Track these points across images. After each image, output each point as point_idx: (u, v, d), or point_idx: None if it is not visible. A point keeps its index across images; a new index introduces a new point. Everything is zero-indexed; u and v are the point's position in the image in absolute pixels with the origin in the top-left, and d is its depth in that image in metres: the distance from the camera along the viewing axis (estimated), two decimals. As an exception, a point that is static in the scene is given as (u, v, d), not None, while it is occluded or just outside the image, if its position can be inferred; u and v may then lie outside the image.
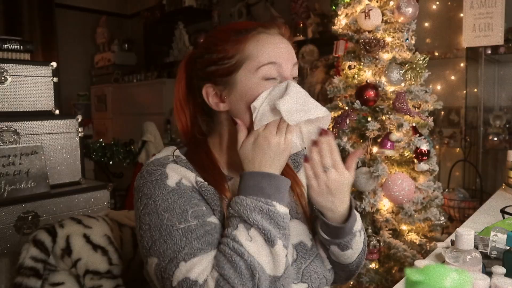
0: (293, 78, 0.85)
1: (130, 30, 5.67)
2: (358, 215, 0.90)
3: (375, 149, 1.90)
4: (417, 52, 1.95)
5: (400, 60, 1.91)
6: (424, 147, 1.82)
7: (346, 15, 2.03)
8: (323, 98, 2.59)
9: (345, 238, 0.86)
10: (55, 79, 1.76)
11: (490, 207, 1.61)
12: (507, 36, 2.47)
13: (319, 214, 0.86)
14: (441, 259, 1.13)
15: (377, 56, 1.88)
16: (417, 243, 1.85)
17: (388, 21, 1.91)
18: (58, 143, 1.73)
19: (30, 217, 1.56)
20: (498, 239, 1.00)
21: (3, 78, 1.61)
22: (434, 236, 1.96)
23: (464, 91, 2.80)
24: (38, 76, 1.71)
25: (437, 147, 2.87)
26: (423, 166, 1.85)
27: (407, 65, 1.90)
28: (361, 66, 1.94)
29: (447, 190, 2.67)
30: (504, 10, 2.37)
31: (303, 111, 0.77)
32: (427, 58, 1.91)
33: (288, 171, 0.94)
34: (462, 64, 2.85)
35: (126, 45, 5.36)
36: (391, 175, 1.85)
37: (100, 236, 1.01)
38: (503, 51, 2.53)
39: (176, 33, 4.67)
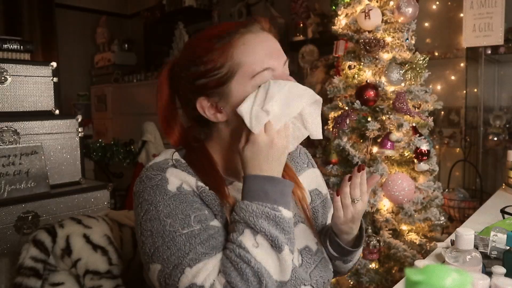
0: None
1: (130, 30, 5.67)
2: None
3: (375, 149, 1.90)
4: (417, 52, 1.95)
5: (400, 60, 1.91)
6: (424, 147, 1.82)
7: (346, 15, 2.03)
8: (323, 98, 2.59)
9: (352, 255, 0.95)
10: (55, 79, 1.76)
11: (490, 207, 1.61)
12: (507, 36, 2.47)
13: (334, 236, 0.91)
14: (441, 259, 1.13)
15: (377, 56, 1.88)
16: (417, 243, 1.85)
17: (388, 21, 1.91)
18: (58, 143, 1.73)
19: (30, 217, 1.56)
20: (498, 239, 1.00)
21: (3, 78, 1.61)
22: (434, 236, 1.97)
23: (464, 91, 2.80)
24: (38, 76, 1.71)
25: (437, 147, 2.87)
26: (423, 166, 1.85)
27: (407, 65, 1.90)
28: (361, 66, 1.94)
29: (447, 190, 2.67)
30: (504, 10, 2.37)
31: (289, 108, 0.78)
32: (427, 58, 1.91)
33: (288, 172, 0.94)
34: (462, 64, 2.85)
35: (126, 45, 5.36)
36: (391, 175, 1.85)
37: (100, 236, 1.00)
38: (503, 51, 2.53)
39: (176, 33, 4.67)
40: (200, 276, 0.71)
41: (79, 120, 1.80)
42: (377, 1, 1.95)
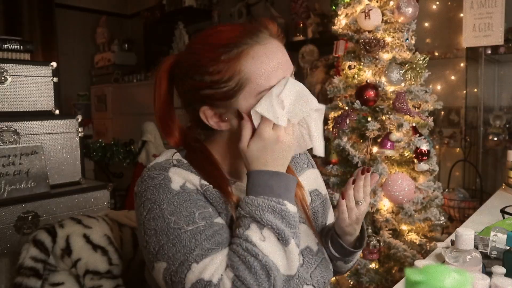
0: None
1: (130, 30, 5.67)
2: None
3: (375, 149, 1.90)
4: (417, 52, 1.95)
5: (400, 60, 1.91)
6: (424, 147, 1.82)
7: (346, 15, 2.03)
8: (323, 98, 2.59)
9: (353, 255, 0.96)
10: (55, 79, 1.76)
11: (490, 207, 1.61)
12: (507, 36, 2.47)
13: (337, 237, 0.92)
14: (441, 259, 1.13)
15: (377, 56, 1.88)
16: (417, 243, 1.85)
17: (388, 21, 1.91)
18: (58, 143, 1.73)
19: (30, 217, 1.56)
20: (498, 239, 1.00)
21: (3, 78, 1.61)
22: (434, 236, 1.97)
23: (464, 91, 2.80)
24: (38, 76, 1.71)
25: (437, 147, 2.87)
26: (423, 166, 1.85)
27: (407, 65, 1.90)
28: (361, 66, 1.94)
29: (447, 190, 2.67)
30: (504, 10, 2.37)
31: (297, 108, 0.78)
32: (427, 58, 1.91)
33: (289, 172, 0.93)
34: (462, 64, 2.85)
35: (126, 45, 5.36)
36: (391, 175, 1.85)
37: (100, 236, 1.01)
38: (503, 51, 2.53)
39: (176, 33, 4.67)
40: (208, 271, 0.70)
41: (79, 120, 1.80)
42: (377, 1, 1.95)
